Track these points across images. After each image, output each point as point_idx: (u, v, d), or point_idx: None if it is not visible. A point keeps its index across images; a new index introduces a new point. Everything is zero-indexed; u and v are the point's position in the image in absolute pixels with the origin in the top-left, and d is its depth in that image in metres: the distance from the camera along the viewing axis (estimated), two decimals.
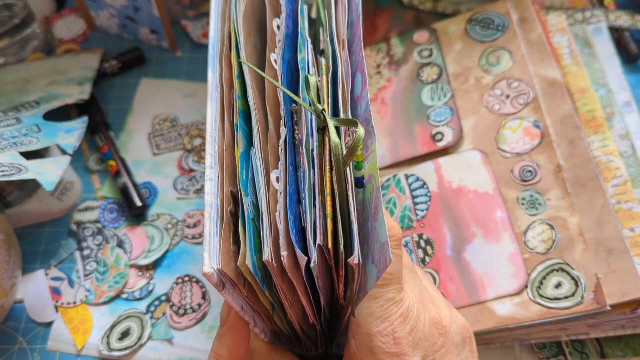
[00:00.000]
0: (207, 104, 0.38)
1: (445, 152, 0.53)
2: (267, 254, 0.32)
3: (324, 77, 0.39)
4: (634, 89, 0.60)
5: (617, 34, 0.65)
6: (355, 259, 0.32)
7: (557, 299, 0.44)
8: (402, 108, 0.57)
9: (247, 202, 0.35)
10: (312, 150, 0.36)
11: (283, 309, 0.40)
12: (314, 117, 0.37)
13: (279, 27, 0.41)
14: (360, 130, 0.33)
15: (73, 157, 0.54)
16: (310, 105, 0.37)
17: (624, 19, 0.65)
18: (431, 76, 0.57)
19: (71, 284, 0.55)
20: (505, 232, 0.48)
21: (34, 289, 0.55)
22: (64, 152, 0.54)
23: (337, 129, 0.37)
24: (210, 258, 0.32)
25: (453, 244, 0.49)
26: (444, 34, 0.59)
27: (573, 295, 0.44)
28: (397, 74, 0.59)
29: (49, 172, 0.50)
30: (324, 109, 0.36)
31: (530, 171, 0.49)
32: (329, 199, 0.35)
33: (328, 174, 0.35)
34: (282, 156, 0.35)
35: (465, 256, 0.48)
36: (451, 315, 0.41)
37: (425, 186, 0.52)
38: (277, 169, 0.35)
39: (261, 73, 0.37)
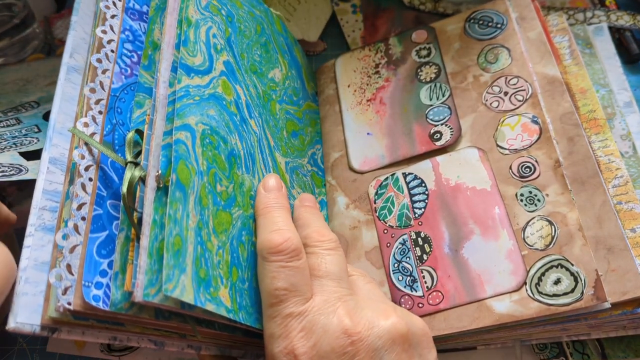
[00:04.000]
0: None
1: (443, 150, 0.53)
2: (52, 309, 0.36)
3: (145, 125, 0.42)
4: (634, 89, 0.60)
5: (618, 34, 0.65)
6: (137, 297, 0.35)
7: (556, 295, 0.44)
8: (401, 107, 0.57)
9: None
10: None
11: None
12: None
13: (92, 90, 0.43)
14: (128, 172, 0.38)
15: None
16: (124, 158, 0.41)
17: (625, 19, 0.65)
18: (429, 75, 0.57)
19: None
20: (504, 229, 0.47)
21: None
22: None
23: None
24: (14, 316, 0.36)
25: (450, 241, 0.49)
26: (442, 33, 0.59)
27: (572, 291, 0.43)
28: (396, 74, 0.59)
29: None
30: (129, 161, 0.39)
31: (528, 167, 0.49)
32: (131, 244, 0.38)
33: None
34: (74, 212, 0.39)
35: (462, 253, 0.48)
36: (373, 319, 0.39)
37: (423, 184, 0.52)
38: (67, 226, 0.39)
39: (77, 132, 0.41)
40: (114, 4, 0.48)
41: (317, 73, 0.64)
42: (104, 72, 0.44)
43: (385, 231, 0.51)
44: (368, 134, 0.57)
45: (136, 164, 0.39)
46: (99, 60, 0.45)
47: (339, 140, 0.58)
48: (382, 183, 0.53)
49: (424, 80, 0.57)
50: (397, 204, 0.52)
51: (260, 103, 0.51)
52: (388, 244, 0.51)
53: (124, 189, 0.38)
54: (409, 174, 0.53)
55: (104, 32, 0.46)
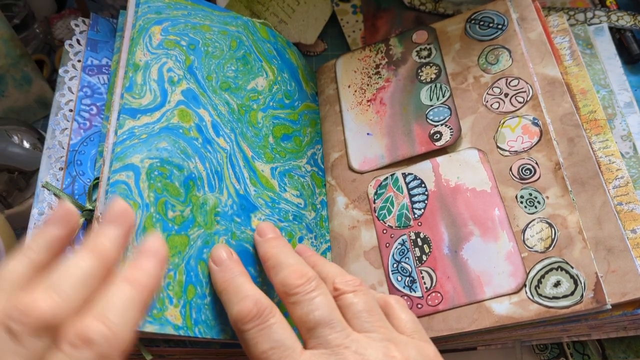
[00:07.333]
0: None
1: (443, 151, 0.53)
2: None
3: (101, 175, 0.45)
4: (635, 90, 0.60)
5: (619, 35, 0.65)
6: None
7: (555, 297, 0.44)
8: (401, 108, 0.56)
9: None
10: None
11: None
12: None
13: (61, 146, 0.48)
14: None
15: None
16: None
17: (625, 19, 0.65)
18: (430, 75, 0.57)
19: None
20: (503, 231, 0.47)
21: None
22: None
23: None
24: None
25: (450, 242, 0.49)
26: (442, 33, 0.59)
27: (572, 293, 0.43)
28: (396, 74, 0.59)
29: None
30: (87, 209, 0.44)
31: (529, 169, 0.49)
32: None
33: None
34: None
35: (462, 254, 0.48)
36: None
37: (423, 185, 0.52)
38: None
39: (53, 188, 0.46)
40: (73, 66, 0.51)
41: (318, 73, 0.64)
42: (62, 131, 0.48)
43: (385, 231, 0.51)
44: (368, 134, 0.56)
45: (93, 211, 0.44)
46: (57, 122, 0.49)
47: (338, 140, 0.58)
48: (381, 183, 0.53)
49: (424, 81, 0.57)
50: (397, 204, 0.52)
51: (234, 118, 0.52)
52: (387, 244, 0.50)
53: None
54: (409, 174, 0.53)
55: (62, 95, 0.50)
